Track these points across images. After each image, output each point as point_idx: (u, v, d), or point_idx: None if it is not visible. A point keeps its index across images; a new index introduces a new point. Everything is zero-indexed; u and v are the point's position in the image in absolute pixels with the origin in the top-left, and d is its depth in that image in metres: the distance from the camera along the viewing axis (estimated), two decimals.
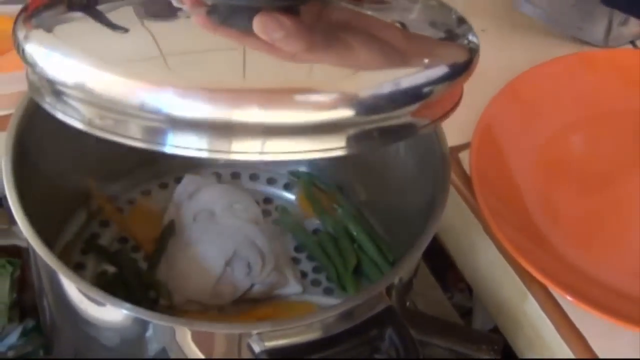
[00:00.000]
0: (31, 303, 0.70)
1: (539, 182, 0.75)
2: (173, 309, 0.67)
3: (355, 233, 0.71)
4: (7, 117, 0.63)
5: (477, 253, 0.71)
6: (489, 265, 0.70)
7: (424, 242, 0.58)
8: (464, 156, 0.75)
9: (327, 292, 0.70)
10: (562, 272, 0.68)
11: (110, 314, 0.55)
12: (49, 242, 0.56)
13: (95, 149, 0.69)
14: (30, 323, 0.70)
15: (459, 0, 0.85)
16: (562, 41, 0.87)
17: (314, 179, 0.75)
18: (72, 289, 0.56)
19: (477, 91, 0.81)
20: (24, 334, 0.70)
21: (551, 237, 0.71)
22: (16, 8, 0.82)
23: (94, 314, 0.56)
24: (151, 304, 0.66)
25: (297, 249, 0.72)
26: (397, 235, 0.71)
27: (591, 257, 0.70)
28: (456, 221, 0.73)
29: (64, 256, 0.69)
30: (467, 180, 0.73)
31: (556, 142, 0.78)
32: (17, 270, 0.70)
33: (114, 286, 0.66)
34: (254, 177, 0.76)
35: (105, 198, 0.73)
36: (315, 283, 0.70)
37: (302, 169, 0.76)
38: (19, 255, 0.71)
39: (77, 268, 0.69)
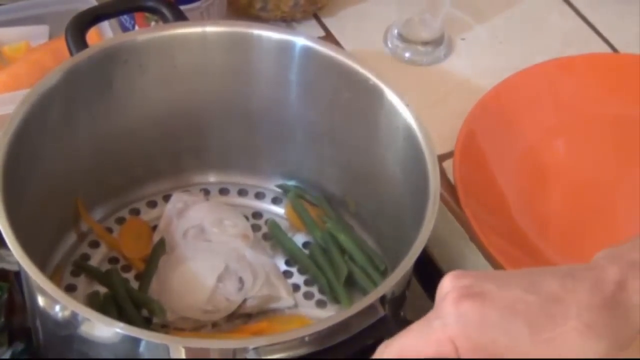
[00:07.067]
0: (19, 326, 0.69)
1: (524, 189, 0.76)
2: (167, 327, 0.66)
3: (345, 244, 0.71)
4: None
5: (465, 262, 0.72)
6: None
7: (417, 251, 0.58)
8: (448, 165, 0.75)
9: (320, 304, 0.70)
10: None
11: (105, 334, 0.55)
12: (39, 264, 0.56)
13: (83, 170, 0.70)
14: (19, 346, 0.69)
15: (442, 9, 0.86)
16: (542, 48, 0.88)
17: (302, 192, 0.75)
18: (66, 310, 0.56)
19: (458, 100, 0.82)
20: (13, 357, 0.69)
21: (538, 244, 0.72)
22: (6, 30, 0.83)
23: (88, 334, 0.56)
24: (145, 323, 0.66)
25: (288, 262, 0.72)
26: (387, 245, 0.71)
27: (578, 262, 0.70)
28: (443, 231, 0.73)
29: (54, 278, 0.69)
30: (451, 189, 0.73)
31: (539, 148, 0.79)
32: (5, 293, 0.70)
33: (106, 307, 0.66)
34: (242, 193, 0.76)
35: (93, 219, 0.73)
36: (308, 296, 0.70)
37: (291, 182, 0.76)
38: (5, 278, 0.71)
39: (68, 290, 0.69)
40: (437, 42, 0.88)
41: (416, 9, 0.87)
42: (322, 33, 0.89)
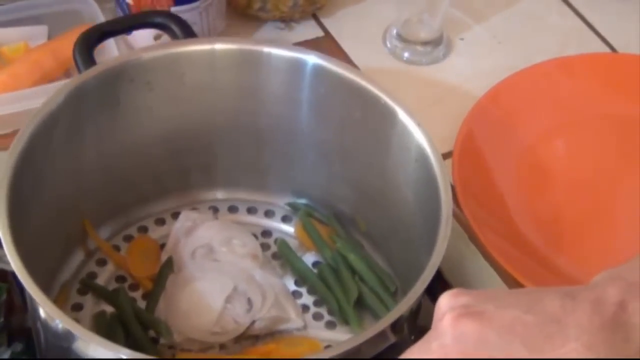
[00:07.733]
0: (19, 326, 0.68)
1: (523, 189, 0.76)
2: (174, 348, 0.66)
3: (355, 264, 0.70)
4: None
5: (465, 262, 0.71)
6: (477, 274, 0.70)
7: (429, 276, 0.57)
8: (447, 165, 0.74)
9: (330, 325, 0.69)
10: (550, 278, 0.69)
11: (104, 355, 0.54)
12: (45, 282, 0.56)
13: (90, 188, 0.69)
14: (18, 346, 0.69)
15: (441, 9, 0.86)
16: (541, 47, 0.88)
17: (312, 210, 0.74)
18: (68, 331, 0.55)
19: (457, 100, 0.82)
20: (12, 357, 0.69)
21: (537, 244, 0.72)
22: (5, 31, 0.83)
23: (87, 354, 0.55)
24: (151, 344, 0.65)
25: (297, 282, 0.71)
26: (397, 265, 0.71)
27: (577, 262, 0.71)
28: None
29: (61, 296, 0.68)
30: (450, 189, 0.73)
31: (537, 148, 0.79)
32: (4, 294, 0.69)
33: (112, 327, 0.65)
34: (251, 211, 0.75)
35: (101, 237, 0.72)
36: (317, 317, 0.69)
37: (301, 200, 0.75)
38: (4, 279, 0.70)
39: (74, 308, 0.68)
40: (436, 42, 0.88)
41: (415, 8, 0.87)
42: (321, 33, 0.88)
